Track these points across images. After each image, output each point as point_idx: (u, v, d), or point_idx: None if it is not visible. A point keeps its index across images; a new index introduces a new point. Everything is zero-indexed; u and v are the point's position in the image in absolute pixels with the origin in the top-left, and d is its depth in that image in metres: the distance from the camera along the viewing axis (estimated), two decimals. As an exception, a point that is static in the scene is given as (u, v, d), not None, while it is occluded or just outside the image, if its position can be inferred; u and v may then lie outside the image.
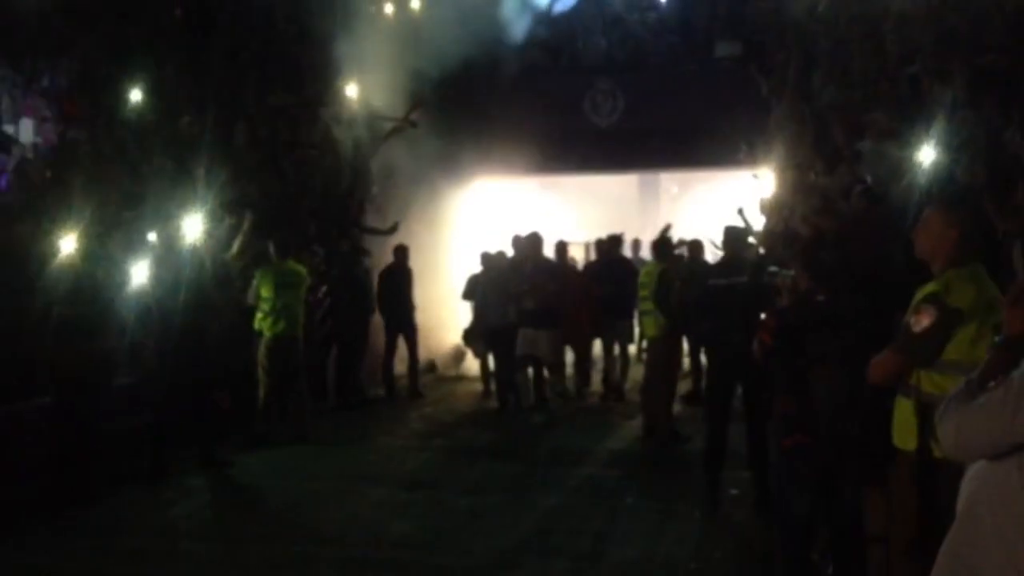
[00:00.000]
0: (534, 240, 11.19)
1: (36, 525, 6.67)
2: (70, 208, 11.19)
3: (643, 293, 9.22)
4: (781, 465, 5.09)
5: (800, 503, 4.96)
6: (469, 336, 11.84)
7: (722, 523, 6.79)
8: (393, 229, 12.07)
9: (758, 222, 9.00)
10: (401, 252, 11.75)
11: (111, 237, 9.52)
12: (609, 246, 11.82)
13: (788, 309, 5.37)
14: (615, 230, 12.26)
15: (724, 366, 7.05)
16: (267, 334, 9.25)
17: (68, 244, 8.27)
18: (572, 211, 16.45)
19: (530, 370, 10.86)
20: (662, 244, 9.38)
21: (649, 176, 16.64)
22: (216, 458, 8.35)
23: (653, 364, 9.27)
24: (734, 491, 7.23)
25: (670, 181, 17.28)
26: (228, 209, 11.07)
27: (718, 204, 13.67)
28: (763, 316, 5.43)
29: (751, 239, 8.09)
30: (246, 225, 9.72)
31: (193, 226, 10.00)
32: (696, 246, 11.05)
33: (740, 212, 8.65)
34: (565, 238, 12.05)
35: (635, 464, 8.38)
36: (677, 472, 8.07)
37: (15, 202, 12.42)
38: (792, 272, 5.49)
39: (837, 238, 6.00)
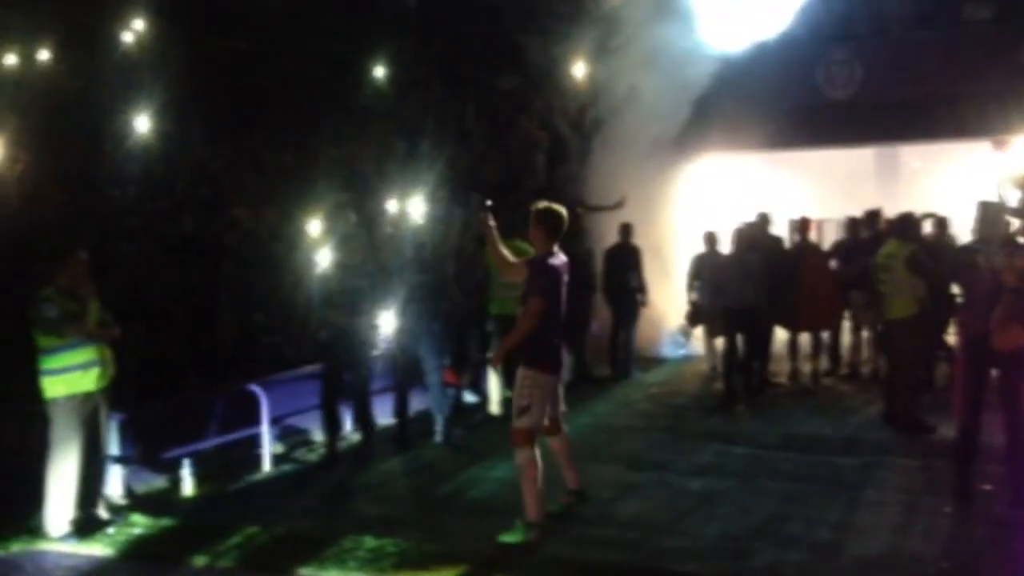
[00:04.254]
0: (763, 220, 10.85)
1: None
2: (311, 193, 11.91)
3: (882, 276, 8.67)
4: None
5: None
6: (694, 317, 11.61)
7: (975, 520, 6.30)
8: (619, 205, 11.98)
9: (1013, 197, 8.25)
10: (626, 230, 11.65)
11: (352, 219, 10.03)
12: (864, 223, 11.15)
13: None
14: (848, 208, 11.62)
15: (975, 350, 6.51)
16: (494, 312, 9.45)
17: (314, 226, 8.82)
18: (802, 188, 15.73)
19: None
20: (908, 223, 8.77)
21: (887, 150, 15.65)
22: (450, 436, 8.63)
23: (898, 349, 8.71)
24: (987, 486, 6.70)
25: (911, 155, 16.18)
26: (456, 189, 11.42)
27: (965, 179, 12.69)
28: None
29: (1009, 216, 7.42)
30: (472, 205, 9.95)
31: (422, 207, 10.41)
32: (942, 223, 10.39)
33: (1000, 184, 7.94)
34: (806, 215, 11.49)
35: (875, 453, 7.89)
36: (922, 463, 7.56)
37: (259, 187, 13.33)
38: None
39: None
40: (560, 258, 6.23)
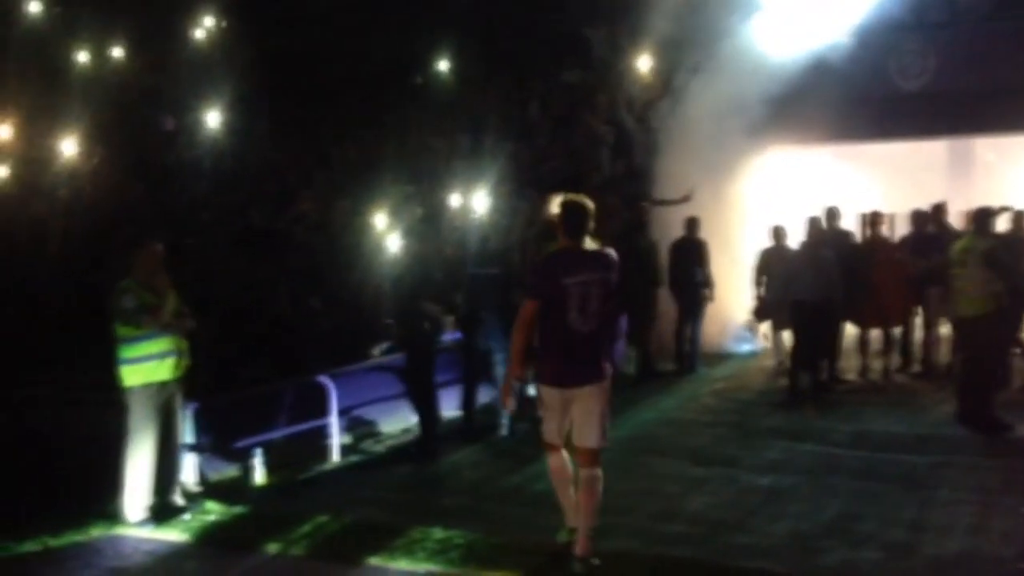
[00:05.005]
0: (831, 214, 10.71)
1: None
2: (377, 186, 12.03)
3: (957, 271, 8.47)
4: None
5: None
6: (760, 312, 11.48)
7: (1056, 522, 6.15)
8: (685, 199, 11.88)
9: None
10: (692, 224, 11.56)
11: (418, 212, 10.13)
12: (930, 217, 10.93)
13: None
14: (919, 202, 11.38)
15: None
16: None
17: (380, 219, 8.92)
18: (871, 182, 15.45)
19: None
20: (984, 217, 8.55)
21: (961, 143, 15.27)
22: (514, 429, 8.68)
23: (973, 346, 8.51)
24: (1069, 488, 6.54)
25: (985, 148, 15.78)
26: (523, 185, 11.44)
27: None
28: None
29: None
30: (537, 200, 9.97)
31: (487, 201, 10.46)
32: (1018, 217, 10.16)
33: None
34: (878, 209, 11.28)
35: (949, 451, 7.72)
36: (999, 463, 7.38)
37: (325, 181, 13.51)
38: None
39: None
40: (581, 255, 5.42)
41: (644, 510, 6.54)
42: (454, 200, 12.40)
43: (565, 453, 5.62)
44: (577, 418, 5.43)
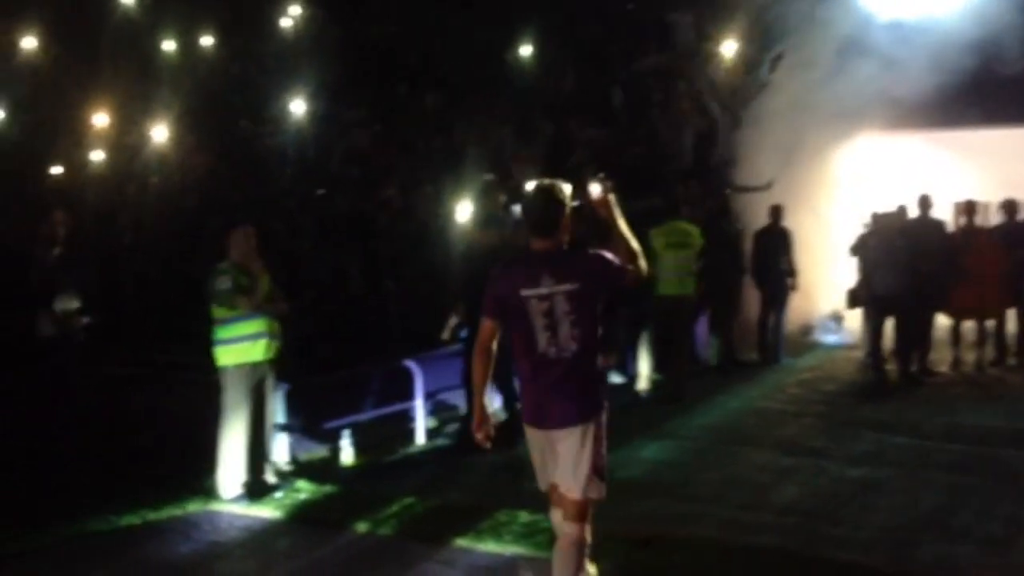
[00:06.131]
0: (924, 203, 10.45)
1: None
2: (460, 174, 12.09)
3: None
4: None
5: None
6: (854, 299, 11.23)
7: None
8: (768, 186, 11.72)
9: None
10: (776, 212, 11.37)
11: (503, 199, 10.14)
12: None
13: None
14: (1012, 191, 11.02)
15: None
16: (658, 293, 9.42)
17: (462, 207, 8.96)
18: (965, 170, 14.97)
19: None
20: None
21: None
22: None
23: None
24: None
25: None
26: (601, 170, 11.39)
27: None
28: None
29: None
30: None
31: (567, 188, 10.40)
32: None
33: None
34: (972, 198, 10.97)
35: (1049, 447, 7.51)
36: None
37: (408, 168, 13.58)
38: None
39: None
40: (547, 258, 4.23)
41: (732, 499, 6.49)
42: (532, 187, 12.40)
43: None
44: (561, 462, 4.28)
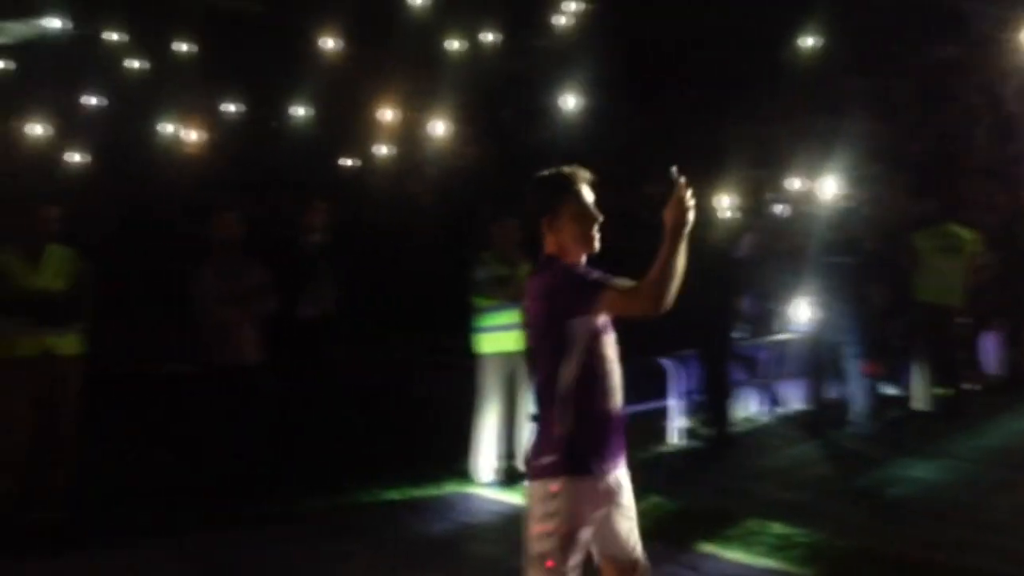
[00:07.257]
0: None
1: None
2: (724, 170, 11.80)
3: None
4: None
5: None
6: None
7: None
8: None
9: None
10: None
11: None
12: None
13: None
14: None
15: None
16: (921, 300, 8.80)
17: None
18: None
19: None
20: None
21: None
22: (864, 427, 8.18)
23: None
24: None
25: None
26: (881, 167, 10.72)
27: None
28: None
29: None
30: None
31: (842, 185, 9.87)
32: None
33: None
34: None
35: None
36: None
37: (666, 164, 13.41)
38: None
39: None
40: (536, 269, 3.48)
41: (1020, 530, 5.87)
42: (800, 184, 11.89)
43: None
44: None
